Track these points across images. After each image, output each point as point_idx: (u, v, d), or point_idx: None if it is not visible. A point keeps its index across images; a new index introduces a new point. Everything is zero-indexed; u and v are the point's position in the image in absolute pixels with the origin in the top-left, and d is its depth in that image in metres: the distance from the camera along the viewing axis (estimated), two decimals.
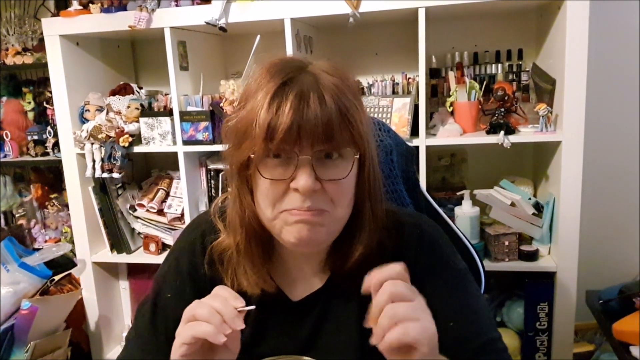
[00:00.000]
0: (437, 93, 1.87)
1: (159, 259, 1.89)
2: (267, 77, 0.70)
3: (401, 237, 0.80)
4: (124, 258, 1.99)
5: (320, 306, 0.81)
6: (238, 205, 0.77)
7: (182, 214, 1.90)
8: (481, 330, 0.77)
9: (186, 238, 0.89)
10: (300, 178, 0.68)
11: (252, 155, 0.69)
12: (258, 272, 0.78)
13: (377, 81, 1.84)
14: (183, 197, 1.86)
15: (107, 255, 2.00)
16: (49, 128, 2.07)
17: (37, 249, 2.09)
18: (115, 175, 1.83)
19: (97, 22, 1.78)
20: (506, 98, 1.64)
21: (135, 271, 2.14)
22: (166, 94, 1.88)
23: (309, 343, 0.81)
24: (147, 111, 1.85)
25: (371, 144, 0.74)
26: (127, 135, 1.81)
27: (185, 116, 1.77)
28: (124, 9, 1.76)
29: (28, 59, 2.04)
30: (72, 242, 2.04)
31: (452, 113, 1.75)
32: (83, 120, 1.90)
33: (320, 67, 0.72)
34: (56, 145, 2.01)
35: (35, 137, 2.10)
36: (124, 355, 0.86)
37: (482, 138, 1.64)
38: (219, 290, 0.69)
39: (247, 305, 0.68)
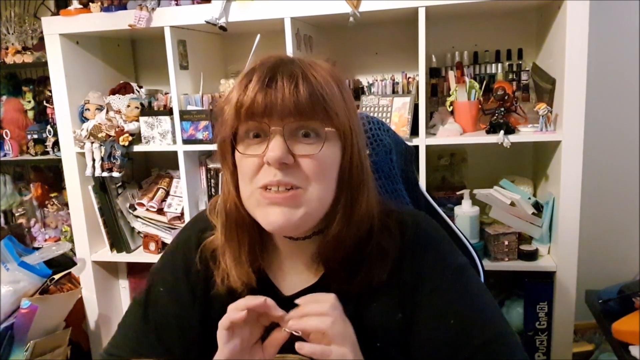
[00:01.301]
0: (437, 92, 1.87)
1: (159, 258, 1.89)
2: (249, 68, 0.74)
3: (402, 237, 0.80)
4: (123, 257, 1.99)
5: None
6: (222, 194, 0.79)
7: (182, 213, 1.90)
8: (485, 326, 0.75)
9: (183, 235, 0.90)
10: (270, 149, 0.69)
11: (228, 135, 0.73)
12: (241, 265, 0.78)
13: (377, 80, 1.84)
14: (183, 196, 1.86)
15: (107, 254, 2.00)
16: (48, 127, 2.07)
17: (37, 248, 2.09)
18: (115, 174, 1.83)
19: (97, 21, 1.78)
20: (506, 98, 1.64)
21: (135, 270, 2.14)
22: (166, 93, 1.88)
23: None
24: (147, 110, 1.85)
25: (356, 132, 0.75)
26: (127, 135, 1.81)
27: (185, 115, 1.77)
28: (124, 8, 1.76)
29: (28, 58, 2.04)
30: (71, 241, 2.04)
31: (452, 112, 1.75)
32: (83, 119, 1.90)
33: (305, 58, 0.75)
34: (56, 144, 2.01)
35: (35, 136, 2.10)
36: (113, 343, 0.87)
37: (482, 137, 1.64)
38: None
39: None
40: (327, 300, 0.70)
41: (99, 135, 1.83)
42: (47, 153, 2.09)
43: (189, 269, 0.85)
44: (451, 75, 1.75)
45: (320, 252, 0.78)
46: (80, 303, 2.00)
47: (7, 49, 2.09)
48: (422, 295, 0.77)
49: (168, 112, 1.81)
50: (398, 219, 0.81)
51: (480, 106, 1.72)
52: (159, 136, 1.82)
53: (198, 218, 0.91)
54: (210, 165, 1.88)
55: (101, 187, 1.94)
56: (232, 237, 0.78)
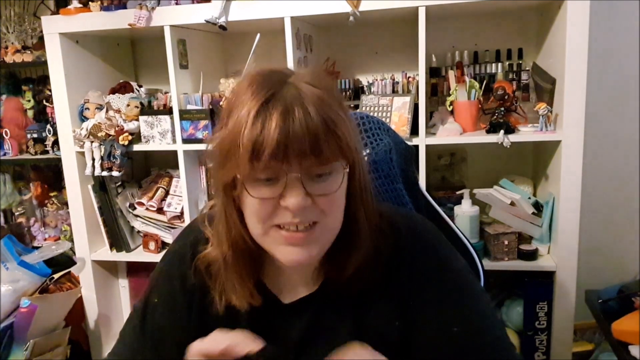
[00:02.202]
0: (437, 92, 1.87)
1: (159, 258, 1.87)
2: (248, 93, 0.67)
3: (397, 241, 0.78)
4: (123, 256, 1.99)
5: (312, 311, 0.79)
6: (224, 222, 0.75)
7: (182, 213, 1.90)
8: (487, 330, 0.76)
9: (178, 244, 0.89)
10: (290, 196, 0.66)
11: (238, 176, 0.68)
12: (246, 286, 0.77)
13: (377, 80, 1.84)
14: (183, 196, 1.86)
15: (107, 253, 1.99)
16: (48, 126, 2.07)
17: (37, 247, 2.08)
18: (115, 173, 1.83)
19: (97, 20, 1.78)
20: (506, 97, 1.64)
21: (134, 269, 2.14)
22: (166, 93, 1.88)
23: (299, 349, 0.80)
24: (146, 109, 1.85)
25: (359, 151, 0.73)
26: (126, 134, 1.81)
27: (185, 115, 1.77)
28: (124, 7, 1.76)
29: (28, 57, 2.03)
30: (71, 240, 2.04)
31: (452, 112, 1.75)
32: (83, 118, 1.90)
33: (302, 78, 0.69)
34: (56, 143, 2.01)
35: (35, 135, 2.10)
36: (113, 351, 0.89)
37: (482, 137, 1.64)
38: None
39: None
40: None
41: (99, 134, 1.83)
42: (47, 152, 2.08)
43: (185, 280, 0.84)
44: (451, 74, 1.75)
45: (324, 268, 0.78)
46: (79, 302, 1.99)
47: (6, 48, 2.09)
48: (422, 302, 0.77)
49: (168, 111, 1.81)
50: (391, 221, 0.79)
51: (480, 106, 1.72)
52: (158, 135, 1.82)
53: (192, 227, 0.89)
54: (210, 165, 1.88)
55: (101, 186, 1.94)
56: (236, 264, 0.76)
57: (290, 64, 1.67)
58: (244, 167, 0.65)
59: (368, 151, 0.93)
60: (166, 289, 0.86)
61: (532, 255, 1.65)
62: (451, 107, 1.73)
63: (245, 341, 0.71)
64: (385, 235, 0.77)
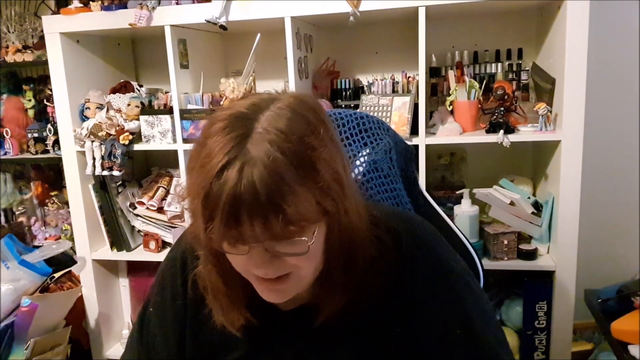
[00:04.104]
0: (437, 92, 1.87)
1: (159, 257, 1.90)
2: (210, 148, 0.61)
3: (398, 247, 0.76)
4: (123, 256, 1.99)
5: (312, 318, 0.76)
6: (205, 263, 0.75)
7: (182, 212, 1.90)
8: (487, 333, 0.76)
9: (170, 255, 0.89)
10: (254, 264, 0.65)
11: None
12: (235, 309, 0.76)
13: (377, 80, 1.84)
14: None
15: (107, 252, 2.00)
16: (49, 126, 2.07)
17: (37, 247, 2.09)
18: (116, 173, 1.83)
19: (98, 20, 1.78)
20: (506, 97, 1.64)
21: (135, 269, 2.14)
22: (166, 92, 1.89)
23: (300, 358, 0.79)
24: (147, 109, 1.85)
25: (342, 188, 0.66)
26: (127, 133, 1.81)
27: (185, 114, 1.77)
28: (125, 6, 1.76)
29: (28, 57, 2.04)
30: (72, 239, 2.04)
31: (451, 112, 1.75)
32: (83, 118, 1.90)
33: (270, 127, 0.61)
34: (56, 142, 2.01)
35: (36, 135, 2.10)
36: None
37: (482, 137, 1.64)
38: None
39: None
40: None
41: (99, 134, 1.83)
42: (48, 152, 2.09)
43: (177, 293, 0.84)
44: (451, 74, 1.75)
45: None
46: (80, 301, 2.00)
47: (7, 47, 2.09)
48: (423, 306, 0.76)
49: (168, 111, 1.81)
50: (387, 226, 0.77)
51: (480, 106, 1.72)
52: (159, 135, 1.83)
53: (183, 237, 0.88)
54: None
55: (101, 185, 1.94)
56: (227, 289, 0.75)
57: (291, 63, 1.67)
58: (202, 227, 0.62)
59: (368, 151, 0.93)
60: (159, 299, 0.86)
61: (532, 254, 1.65)
62: (451, 107, 1.73)
63: None
64: (386, 244, 0.75)
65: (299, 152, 0.61)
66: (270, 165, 0.58)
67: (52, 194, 2.25)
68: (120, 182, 1.99)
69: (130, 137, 1.82)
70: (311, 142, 0.62)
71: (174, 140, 1.82)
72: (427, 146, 1.64)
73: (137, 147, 1.86)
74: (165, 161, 2.09)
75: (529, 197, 1.69)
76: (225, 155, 0.59)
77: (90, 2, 1.79)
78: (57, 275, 1.89)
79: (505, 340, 0.79)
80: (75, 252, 1.99)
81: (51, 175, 2.26)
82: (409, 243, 0.77)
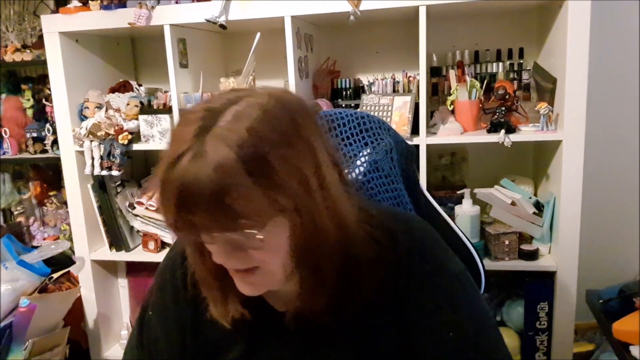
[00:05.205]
0: (437, 91, 1.86)
1: (158, 257, 1.89)
2: (169, 142, 0.64)
3: (395, 248, 0.75)
4: (122, 256, 1.99)
5: (308, 319, 0.75)
6: (191, 259, 0.76)
7: None
8: (483, 337, 0.76)
9: (170, 254, 0.88)
10: (216, 255, 0.67)
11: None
12: (226, 301, 0.76)
13: (377, 79, 1.84)
14: None
15: (106, 253, 1.99)
16: (48, 125, 2.07)
17: (36, 247, 2.08)
18: (115, 172, 1.83)
19: (97, 19, 1.77)
20: (507, 97, 1.64)
21: (134, 269, 2.14)
22: (166, 92, 1.88)
23: (297, 358, 0.79)
24: (146, 109, 1.84)
25: (305, 189, 0.65)
26: (126, 133, 1.81)
27: None
28: (124, 6, 1.75)
29: (27, 56, 2.03)
30: (70, 239, 2.03)
31: (452, 112, 1.74)
32: (82, 117, 1.90)
33: (231, 124, 0.62)
34: (55, 142, 2.00)
35: (35, 135, 2.09)
36: None
37: (483, 137, 1.64)
38: None
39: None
40: None
41: (98, 133, 1.82)
42: (46, 151, 2.08)
43: (177, 291, 0.84)
44: (452, 74, 1.74)
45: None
46: (79, 302, 1.99)
47: (6, 47, 2.08)
48: (418, 308, 0.75)
49: (168, 110, 1.80)
50: (384, 226, 0.76)
51: (481, 105, 1.71)
52: (158, 135, 1.82)
53: None
54: None
55: (100, 185, 1.93)
56: (208, 284, 0.76)
57: (291, 63, 1.66)
58: (163, 215, 0.65)
59: (368, 150, 0.93)
60: (159, 300, 0.86)
61: (533, 255, 1.65)
62: (452, 106, 1.73)
63: None
64: (382, 245, 0.74)
65: (254, 151, 0.61)
66: (218, 160, 0.59)
67: (51, 193, 2.24)
68: (119, 182, 1.98)
69: (130, 136, 1.81)
70: (272, 142, 0.62)
71: None
72: (428, 146, 1.64)
73: (136, 146, 1.85)
74: None
75: (530, 197, 1.69)
76: (182, 145, 0.61)
77: (90, 2, 1.79)
78: (55, 275, 1.88)
79: (502, 343, 0.78)
80: (74, 253, 1.99)
81: (50, 175, 2.25)
82: (406, 244, 0.77)
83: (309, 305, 0.73)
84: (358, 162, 0.91)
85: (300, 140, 0.65)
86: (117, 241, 1.97)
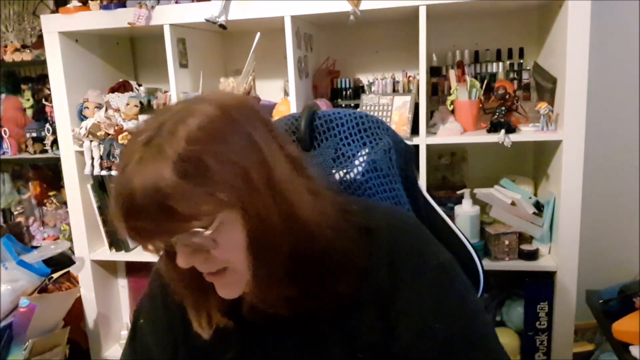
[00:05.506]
0: (437, 91, 1.86)
1: (158, 258, 1.88)
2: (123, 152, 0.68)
3: (371, 242, 0.76)
4: (122, 256, 1.98)
5: (302, 321, 0.76)
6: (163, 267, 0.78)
7: None
8: (470, 327, 0.74)
9: (159, 260, 0.87)
10: (179, 260, 0.68)
11: None
12: (200, 313, 0.77)
13: (377, 79, 1.84)
14: None
15: (106, 253, 1.99)
16: (47, 125, 2.07)
17: (36, 247, 2.08)
18: (114, 173, 1.82)
19: (96, 19, 1.77)
20: (507, 97, 1.64)
21: (134, 269, 2.14)
22: (165, 92, 1.88)
23: (286, 357, 0.78)
24: (146, 108, 1.85)
25: (248, 185, 0.66)
26: (126, 133, 1.80)
27: None
28: (124, 5, 1.75)
29: (27, 56, 2.03)
30: (70, 239, 2.03)
31: (452, 112, 1.74)
32: (82, 117, 1.90)
33: (170, 133, 0.64)
34: (55, 142, 2.00)
35: (34, 135, 2.09)
36: None
37: (483, 137, 1.64)
38: None
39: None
40: None
41: (98, 133, 1.82)
42: (46, 151, 2.08)
43: (166, 297, 0.83)
44: (452, 74, 1.74)
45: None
46: (78, 302, 1.99)
47: (6, 46, 2.08)
48: (402, 299, 0.75)
49: None
50: (363, 221, 0.76)
51: (481, 105, 1.71)
52: None
53: None
54: None
55: (100, 185, 1.93)
56: (182, 294, 0.77)
57: (290, 63, 1.66)
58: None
59: (367, 150, 0.92)
60: (150, 308, 0.87)
61: (533, 255, 1.65)
62: (452, 106, 1.73)
63: None
64: (358, 239, 0.75)
65: (189, 153, 0.63)
66: (156, 166, 0.62)
67: (51, 193, 2.24)
68: None
69: (129, 136, 1.81)
70: (205, 141, 0.64)
71: None
72: (428, 146, 1.63)
73: None
74: None
75: (530, 197, 1.68)
76: (129, 156, 0.65)
77: (89, 1, 1.79)
78: (55, 275, 1.88)
79: (491, 331, 0.77)
80: (73, 253, 1.99)
81: (49, 175, 2.25)
82: (386, 236, 0.77)
83: (261, 296, 0.73)
84: (356, 162, 0.91)
85: (236, 136, 0.67)
86: (117, 241, 1.97)
